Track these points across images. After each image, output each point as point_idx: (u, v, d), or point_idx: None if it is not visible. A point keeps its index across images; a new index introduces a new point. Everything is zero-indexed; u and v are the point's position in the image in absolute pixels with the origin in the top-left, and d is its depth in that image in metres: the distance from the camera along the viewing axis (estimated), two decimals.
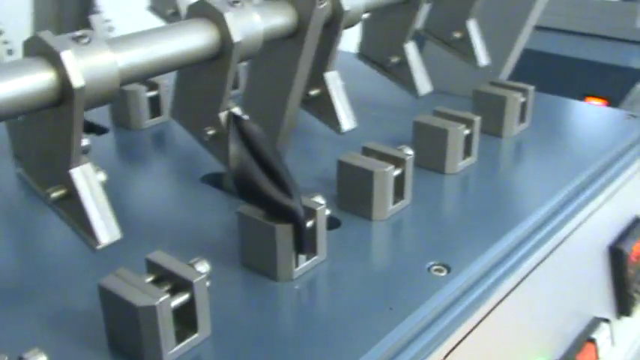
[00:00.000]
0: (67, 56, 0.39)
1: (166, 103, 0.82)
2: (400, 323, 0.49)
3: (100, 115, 0.83)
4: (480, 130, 0.73)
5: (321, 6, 0.53)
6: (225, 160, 0.53)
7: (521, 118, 0.81)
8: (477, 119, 0.71)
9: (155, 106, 0.82)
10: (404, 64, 0.70)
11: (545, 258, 0.63)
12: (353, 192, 0.62)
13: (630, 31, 1.34)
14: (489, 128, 0.79)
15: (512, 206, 0.66)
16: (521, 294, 0.60)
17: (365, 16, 0.63)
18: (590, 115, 0.90)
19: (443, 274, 0.55)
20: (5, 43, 0.73)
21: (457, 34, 0.78)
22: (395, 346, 0.48)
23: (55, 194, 0.43)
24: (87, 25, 0.80)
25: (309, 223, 0.53)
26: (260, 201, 0.51)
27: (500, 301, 0.57)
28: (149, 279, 0.46)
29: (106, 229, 0.44)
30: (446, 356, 0.51)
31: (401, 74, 0.70)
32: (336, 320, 0.49)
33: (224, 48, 0.49)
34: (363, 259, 0.57)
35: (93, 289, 0.46)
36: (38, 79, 0.39)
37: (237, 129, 0.51)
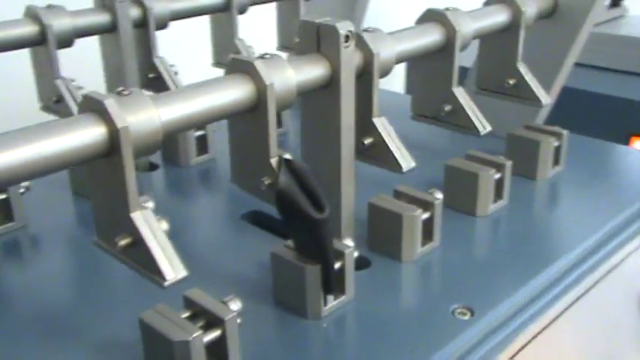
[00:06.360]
0: (113, 108, 0.43)
1: (213, 141, 0.88)
2: None
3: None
4: (511, 173, 0.76)
5: (348, 47, 0.56)
6: None
7: (556, 161, 0.83)
8: (508, 163, 0.73)
9: (202, 144, 0.87)
10: (457, 109, 0.72)
11: (573, 303, 0.64)
12: (383, 234, 0.65)
13: None
14: (523, 171, 0.81)
15: (542, 250, 0.68)
16: (546, 339, 0.61)
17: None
18: (629, 158, 0.91)
19: (466, 317, 0.57)
20: (79, 89, 0.79)
21: (511, 81, 0.80)
22: None
23: (122, 242, 0.47)
24: (153, 68, 0.85)
25: (337, 265, 0.56)
26: (298, 220, 0.53)
27: (524, 346, 0.58)
28: (185, 315, 0.50)
29: (171, 267, 0.47)
30: None
31: (457, 120, 0.72)
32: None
33: (260, 97, 0.52)
34: (390, 299, 0.60)
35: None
36: (91, 133, 0.44)
37: (289, 169, 0.54)
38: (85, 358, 0.53)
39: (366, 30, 0.62)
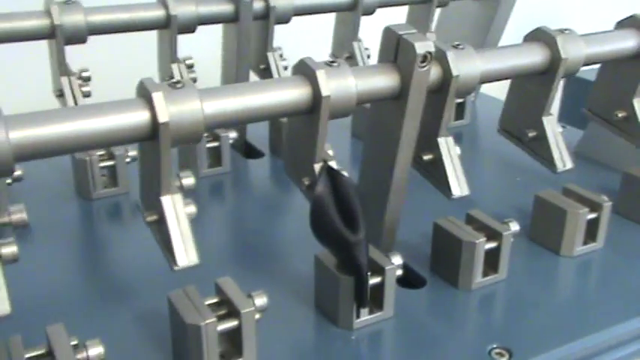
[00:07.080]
0: (159, 98, 0.46)
1: None
2: None
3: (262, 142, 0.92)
4: (619, 215, 0.71)
5: (423, 69, 0.54)
6: None
7: None
8: (607, 204, 0.67)
9: None
10: (542, 138, 0.67)
11: None
12: (443, 256, 0.63)
13: None
14: (635, 215, 0.73)
15: (620, 303, 0.61)
16: None
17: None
18: None
19: (503, 359, 0.53)
20: (192, 71, 0.84)
21: (621, 114, 0.73)
22: None
23: (149, 218, 0.51)
24: (265, 60, 0.89)
25: (375, 280, 0.56)
26: (329, 237, 0.53)
27: None
28: (211, 301, 0.52)
29: (185, 254, 0.49)
30: None
31: (539, 149, 0.68)
32: None
33: (315, 103, 0.53)
34: (429, 325, 0.58)
35: None
36: (135, 117, 0.47)
37: (329, 177, 0.54)
38: (123, 324, 0.58)
39: (455, 46, 0.59)
